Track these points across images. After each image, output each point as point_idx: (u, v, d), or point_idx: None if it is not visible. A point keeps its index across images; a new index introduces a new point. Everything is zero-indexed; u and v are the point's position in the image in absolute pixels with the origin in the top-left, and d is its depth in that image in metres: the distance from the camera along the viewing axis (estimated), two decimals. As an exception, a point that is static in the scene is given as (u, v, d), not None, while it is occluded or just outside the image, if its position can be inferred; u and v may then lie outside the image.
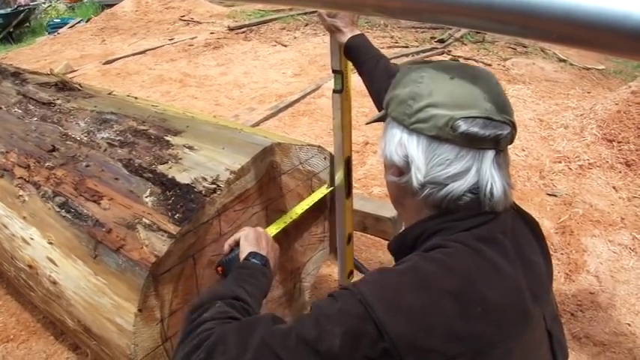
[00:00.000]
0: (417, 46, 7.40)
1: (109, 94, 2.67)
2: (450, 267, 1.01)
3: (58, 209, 1.80)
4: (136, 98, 2.63)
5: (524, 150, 4.24)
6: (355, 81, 5.38)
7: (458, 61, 6.72)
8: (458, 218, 1.10)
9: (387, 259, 2.95)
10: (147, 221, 1.55)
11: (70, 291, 1.72)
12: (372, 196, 3.55)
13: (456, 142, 1.05)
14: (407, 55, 6.92)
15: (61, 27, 13.52)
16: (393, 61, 5.96)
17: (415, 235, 1.15)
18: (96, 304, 1.62)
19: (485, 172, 1.07)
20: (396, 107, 1.13)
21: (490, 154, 1.07)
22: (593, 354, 2.46)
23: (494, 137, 1.05)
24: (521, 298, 1.06)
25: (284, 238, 1.99)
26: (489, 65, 6.53)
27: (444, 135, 1.05)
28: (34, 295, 2.06)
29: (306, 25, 8.97)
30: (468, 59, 6.78)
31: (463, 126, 1.03)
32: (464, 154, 1.06)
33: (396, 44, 7.67)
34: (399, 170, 1.13)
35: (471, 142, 1.05)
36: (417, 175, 1.08)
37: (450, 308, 0.97)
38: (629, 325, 2.61)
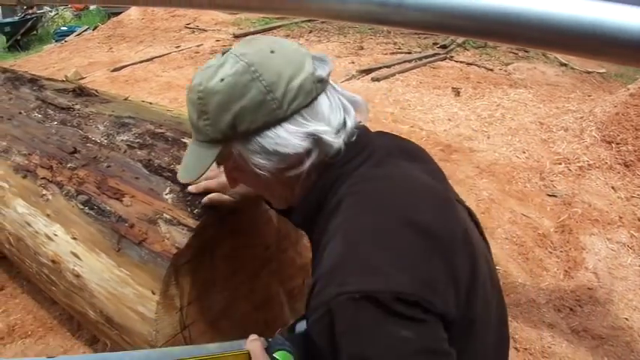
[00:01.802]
0: (420, 52, 7.49)
1: (125, 99, 2.77)
2: (387, 206, 1.05)
3: (82, 206, 1.90)
4: (150, 103, 2.73)
5: (524, 152, 4.33)
6: (359, 86, 5.47)
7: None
8: (346, 160, 1.15)
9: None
10: (167, 216, 1.65)
11: (94, 283, 1.82)
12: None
13: (322, 93, 1.12)
14: (409, 61, 7.00)
15: (68, 35, 13.62)
16: (396, 67, 6.05)
17: (316, 197, 1.18)
18: (119, 295, 1.72)
19: (339, 109, 1.16)
20: (255, 116, 1.08)
21: (330, 88, 1.17)
22: (591, 347, 2.55)
23: (328, 74, 1.15)
24: (451, 203, 1.16)
25: (294, 232, 2.09)
26: (491, 70, 6.62)
27: (317, 92, 1.11)
28: (56, 289, 2.16)
29: (310, 32, 9.07)
30: (471, 64, 6.87)
31: (321, 72, 1.12)
32: (330, 99, 1.14)
33: (399, 50, 7.77)
34: (299, 158, 1.12)
35: (324, 87, 1.13)
36: (327, 138, 1.11)
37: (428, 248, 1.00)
38: (626, 319, 2.70)
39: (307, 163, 1.13)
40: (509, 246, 3.17)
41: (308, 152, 1.12)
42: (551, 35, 0.97)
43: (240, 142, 1.12)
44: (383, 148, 1.20)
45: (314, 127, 1.09)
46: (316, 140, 1.11)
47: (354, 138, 1.16)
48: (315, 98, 1.10)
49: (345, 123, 1.15)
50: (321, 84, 1.12)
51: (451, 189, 1.33)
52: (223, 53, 1.17)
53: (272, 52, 1.10)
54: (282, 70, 1.07)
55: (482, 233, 1.32)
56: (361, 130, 1.19)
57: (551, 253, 3.15)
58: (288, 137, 1.08)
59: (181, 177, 1.23)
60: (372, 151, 1.17)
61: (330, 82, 1.18)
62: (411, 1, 1.08)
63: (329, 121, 1.12)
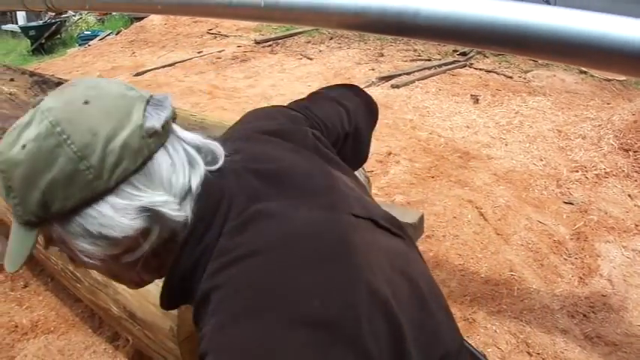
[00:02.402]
0: (440, 59, 7.51)
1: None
2: (263, 301, 0.80)
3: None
4: (175, 108, 2.79)
5: (542, 160, 4.35)
6: (379, 93, 5.52)
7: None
8: (199, 233, 0.90)
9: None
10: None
11: (119, 280, 1.89)
12: (394, 203, 3.68)
13: (160, 149, 0.87)
14: (429, 68, 7.03)
15: (92, 39, 13.78)
16: (416, 74, 6.05)
17: (177, 285, 0.95)
18: (143, 291, 1.77)
19: (184, 167, 0.90)
20: (68, 191, 0.81)
21: (173, 138, 0.91)
22: (604, 354, 2.57)
23: (166, 121, 0.89)
24: (346, 247, 0.89)
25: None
26: (510, 77, 6.62)
27: (150, 149, 0.85)
28: (80, 286, 2.23)
29: (331, 38, 9.11)
30: (490, 72, 6.87)
31: (154, 123, 0.86)
32: (172, 156, 0.89)
33: (419, 57, 7.79)
34: (134, 240, 0.86)
35: (162, 140, 0.88)
36: (168, 211, 0.86)
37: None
38: (640, 326, 2.73)
39: (146, 246, 0.88)
40: (524, 252, 3.20)
41: (145, 232, 0.87)
42: (564, 47, 1.02)
43: (58, 223, 0.85)
44: (242, 191, 0.93)
45: (149, 198, 0.84)
46: (154, 215, 0.85)
47: (203, 196, 0.90)
48: (150, 158, 0.85)
49: (190, 186, 0.89)
50: (155, 138, 0.85)
51: (348, 193, 1.04)
52: (33, 106, 0.88)
53: (86, 102, 0.83)
54: (97, 126, 0.81)
55: (409, 238, 1.12)
56: (210, 177, 0.93)
57: (566, 259, 3.18)
58: (115, 216, 0.82)
59: (6, 267, 0.91)
60: (230, 205, 0.91)
61: (174, 129, 0.93)
62: (427, 13, 1.13)
63: (170, 186, 0.87)
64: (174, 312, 1.64)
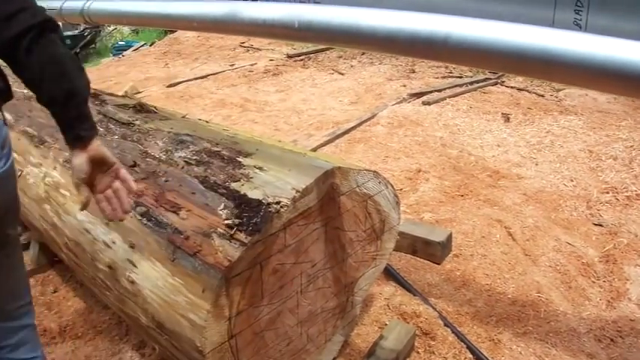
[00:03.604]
0: (471, 77, 7.50)
1: (183, 117, 2.89)
2: None
3: (140, 217, 2.02)
4: (207, 122, 2.84)
5: (572, 180, 4.32)
6: (409, 110, 5.52)
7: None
8: None
9: (433, 280, 3.08)
10: (221, 230, 1.75)
11: (147, 290, 1.92)
12: (422, 221, 3.68)
13: None
14: (460, 85, 7.02)
15: (126, 50, 14.01)
16: (447, 91, 6.06)
17: None
18: (171, 302, 1.81)
19: None
20: None
21: None
22: (631, 379, 2.55)
23: None
24: None
25: (340, 252, 2.16)
26: (542, 96, 6.59)
27: None
28: (110, 294, 2.26)
29: (363, 53, 9.13)
30: (522, 90, 6.84)
31: None
32: None
33: (450, 74, 7.78)
34: None
35: None
36: None
37: None
38: (668, 353, 2.69)
39: None
40: (552, 274, 3.18)
41: None
42: (590, 75, 1.03)
43: None
44: None
45: None
46: None
47: None
48: None
49: None
50: None
51: None
52: None
53: None
54: None
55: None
56: None
57: (594, 282, 3.15)
58: None
59: None
60: None
61: None
62: (457, 38, 1.15)
63: None
64: (202, 324, 1.66)
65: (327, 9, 1.53)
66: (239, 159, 2.12)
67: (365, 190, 2.19)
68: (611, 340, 2.73)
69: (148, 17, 2.48)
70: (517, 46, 1.07)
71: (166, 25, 2.86)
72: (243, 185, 1.91)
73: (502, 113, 5.92)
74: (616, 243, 3.46)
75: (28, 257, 3.39)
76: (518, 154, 4.87)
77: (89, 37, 17.85)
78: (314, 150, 4.89)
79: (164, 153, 2.31)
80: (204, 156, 2.20)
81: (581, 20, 1.30)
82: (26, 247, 3.46)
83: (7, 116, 3.33)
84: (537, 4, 1.41)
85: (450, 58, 1.26)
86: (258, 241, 1.71)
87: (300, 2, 2.12)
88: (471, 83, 7.11)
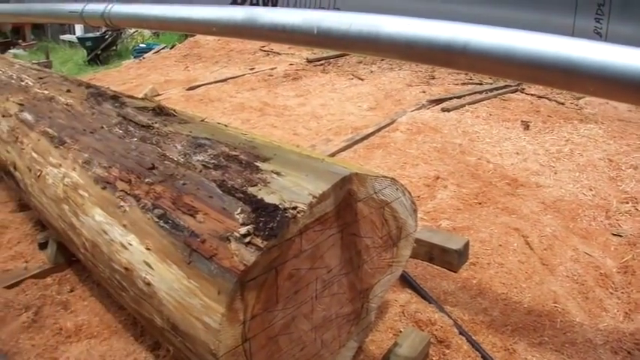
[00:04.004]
0: (491, 84, 7.47)
1: (202, 120, 2.90)
2: None
3: (157, 220, 2.03)
4: (226, 126, 2.85)
5: (591, 190, 4.28)
6: (429, 116, 5.52)
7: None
8: None
9: (450, 288, 3.06)
10: (237, 235, 1.75)
11: (163, 292, 1.93)
12: (439, 228, 3.66)
13: None
14: (480, 92, 7.00)
15: (146, 52, 14.13)
16: (466, 97, 6.04)
17: None
18: (186, 305, 1.82)
19: None
20: None
21: None
22: (648, 393, 2.52)
23: None
24: None
25: (355, 258, 2.16)
26: (562, 104, 6.55)
27: None
28: (126, 295, 2.28)
29: (383, 59, 9.13)
30: (542, 97, 6.81)
31: None
32: None
33: (471, 81, 7.76)
34: None
35: None
36: None
37: None
38: (687, 367, 2.66)
39: None
40: (569, 284, 3.15)
41: None
42: (609, 85, 1.02)
43: None
44: None
45: None
46: None
47: None
48: None
49: None
50: None
51: None
52: None
53: None
54: None
55: None
56: None
57: (612, 293, 3.12)
58: None
59: None
60: None
61: None
62: (475, 46, 1.14)
63: None
64: (216, 327, 1.67)
65: (345, 16, 1.53)
66: (257, 163, 2.12)
67: (382, 197, 2.19)
68: (628, 352, 2.70)
69: (168, 21, 2.50)
70: (535, 56, 1.07)
71: (185, 29, 2.88)
72: (260, 190, 1.92)
73: (522, 121, 5.89)
74: (635, 254, 3.43)
75: (46, 256, 3.43)
76: (537, 163, 4.84)
77: (110, 39, 18.01)
78: (332, 155, 4.89)
79: (182, 156, 2.33)
80: (222, 160, 2.21)
81: (601, 29, 1.29)
82: (44, 246, 3.50)
83: (28, 116, 3.39)
84: (557, 12, 1.40)
85: (469, 66, 1.25)
86: (274, 246, 1.72)
87: (321, 8, 2.13)
88: (491, 90, 7.09)
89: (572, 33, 1.38)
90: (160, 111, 2.97)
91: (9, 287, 3.11)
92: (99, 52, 17.91)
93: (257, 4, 2.43)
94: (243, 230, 1.76)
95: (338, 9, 2.07)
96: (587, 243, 3.59)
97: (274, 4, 2.35)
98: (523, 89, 7.21)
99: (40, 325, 2.83)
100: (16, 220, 4.02)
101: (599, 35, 1.29)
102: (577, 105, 6.55)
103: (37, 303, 2.99)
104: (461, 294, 3.02)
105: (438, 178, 4.47)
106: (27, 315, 2.86)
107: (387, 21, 1.38)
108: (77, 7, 3.15)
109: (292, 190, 1.89)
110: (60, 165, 2.81)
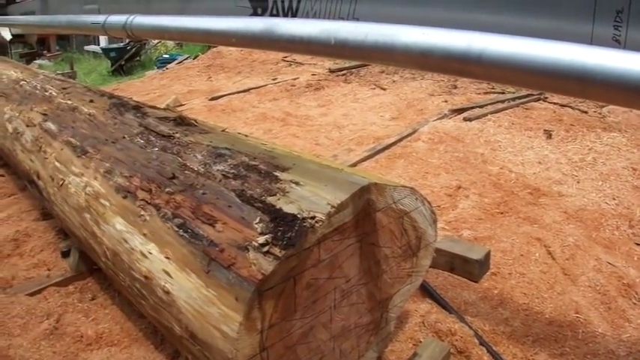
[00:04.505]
0: (513, 93, 7.43)
1: (223, 130, 2.93)
2: None
3: (177, 229, 2.05)
4: (246, 136, 2.87)
5: (614, 199, 4.24)
6: (451, 126, 5.49)
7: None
8: None
9: (471, 298, 3.04)
10: (256, 244, 1.76)
11: (182, 300, 1.95)
12: (461, 238, 3.64)
13: None
14: (502, 102, 6.96)
15: (170, 63, 14.26)
16: (489, 107, 5.99)
17: None
18: (205, 313, 1.83)
19: None
20: None
21: None
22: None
23: None
24: None
25: (374, 268, 2.15)
26: (585, 112, 6.49)
27: None
28: (145, 303, 2.30)
29: (404, 69, 9.13)
30: (564, 106, 6.76)
31: None
32: None
33: (493, 90, 7.72)
34: None
35: None
36: None
37: None
38: None
39: None
40: (591, 294, 3.11)
41: None
42: (628, 93, 1.01)
43: None
44: None
45: None
46: None
47: None
48: None
49: None
50: None
51: None
52: None
53: None
54: None
55: None
56: None
57: (635, 304, 3.08)
58: None
59: None
60: None
61: None
62: (490, 55, 1.14)
63: None
64: (234, 335, 1.68)
65: (362, 26, 1.54)
66: (276, 173, 2.13)
67: (401, 207, 2.19)
68: (652, 363, 2.67)
69: (188, 32, 2.53)
70: (551, 64, 1.07)
71: (206, 40, 2.91)
72: (279, 199, 1.92)
73: (544, 130, 5.85)
74: (659, 264, 3.39)
75: (68, 264, 3.46)
76: (559, 172, 4.80)
77: (134, 50, 18.20)
78: (354, 165, 4.89)
79: (202, 166, 2.35)
80: (242, 169, 2.22)
81: (620, 36, 1.28)
82: (67, 254, 3.54)
83: (51, 126, 3.44)
84: (575, 20, 1.39)
85: (485, 75, 1.25)
86: (292, 256, 1.72)
87: (340, 19, 2.14)
88: (514, 99, 7.05)
89: (591, 41, 1.37)
90: (181, 121, 3.00)
91: (31, 294, 3.15)
92: (123, 63, 18.11)
93: (277, 15, 2.46)
94: (261, 239, 1.77)
95: (357, 19, 2.08)
96: (610, 253, 3.55)
97: (294, 15, 2.37)
98: (546, 98, 7.15)
99: (62, 332, 2.85)
100: (39, 229, 4.07)
101: (617, 43, 1.29)
102: (600, 113, 6.49)
103: (58, 310, 3.02)
104: (482, 304, 3.00)
105: (459, 187, 4.45)
106: (48, 322, 2.89)
107: (402, 31, 1.39)
108: (100, 18, 3.20)
109: (311, 199, 1.89)
110: (82, 174, 2.85)
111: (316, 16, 2.24)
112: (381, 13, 1.94)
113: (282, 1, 2.40)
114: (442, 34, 1.29)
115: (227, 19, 2.27)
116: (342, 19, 2.10)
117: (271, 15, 2.44)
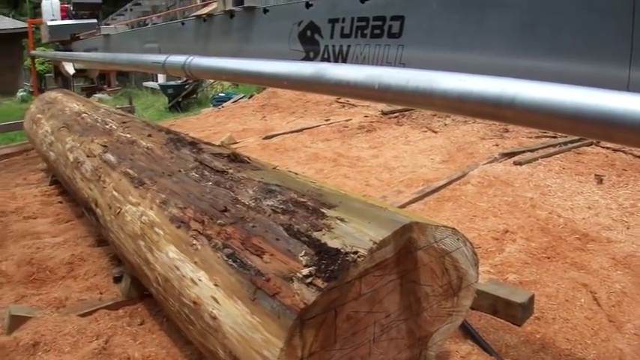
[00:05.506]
0: (565, 137, 7.37)
1: (274, 168, 3.03)
2: None
3: (226, 258, 2.15)
4: (296, 174, 2.97)
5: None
6: (500, 170, 5.49)
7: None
8: None
9: (512, 342, 3.04)
10: (300, 275, 1.85)
11: (227, 326, 2.03)
12: (506, 282, 3.65)
13: None
14: (554, 146, 6.92)
15: (225, 101, 14.58)
16: (540, 151, 5.94)
17: None
18: (248, 338, 1.91)
19: None
20: None
21: None
22: None
23: None
24: None
25: (415, 304, 2.21)
26: (638, 157, 6.40)
27: None
28: (192, 328, 2.39)
29: (454, 111, 9.15)
30: (617, 150, 6.67)
31: None
32: None
33: (544, 134, 7.68)
34: None
35: None
36: None
37: None
38: None
39: None
40: (637, 342, 3.08)
41: None
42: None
43: None
44: None
45: None
46: None
47: None
48: None
49: None
50: None
51: None
52: None
53: None
54: None
55: None
56: None
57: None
58: None
59: None
60: None
61: None
62: (522, 100, 1.21)
63: None
64: (276, 363, 1.76)
65: (404, 72, 1.63)
66: (322, 210, 2.22)
67: (442, 246, 2.24)
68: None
69: (242, 74, 2.65)
70: (581, 110, 1.13)
71: (259, 82, 3.04)
72: (324, 234, 2.01)
73: (595, 174, 5.81)
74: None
75: (120, 289, 3.61)
76: (609, 217, 4.76)
77: (191, 87, 18.64)
78: (402, 207, 4.93)
79: (253, 200, 2.45)
80: (290, 205, 2.32)
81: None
82: (119, 279, 3.68)
83: (110, 157, 3.61)
84: (610, 63, 1.45)
85: (517, 120, 1.31)
86: (333, 288, 1.80)
87: (387, 64, 2.24)
88: (565, 143, 6.99)
89: (628, 85, 1.42)
90: (235, 158, 3.12)
91: (83, 315, 3.29)
92: (180, 100, 18.55)
93: (328, 59, 2.57)
94: (305, 271, 1.85)
95: (403, 64, 2.17)
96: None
97: (344, 59, 2.48)
98: (598, 142, 7.08)
99: (110, 352, 2.96)
100: (93, 254, 4.24)
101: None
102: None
103: (108, 332, 3.14)
104: (523, 348, 3.00)
105: (507, 231, 4.45)
106: (98, 342, 3.01)
107: (440, 77, 1.47)
108: (160, 58, 3.37)
109: (354, 235, 1.97)
110: (138, 204, 2.99)
111: (365, 60, 2.34)
112: (425, 59, 2.04)
113: (334, 46, 2.52)
114: (478, 81, 1.36)
115: (279, 62, 2.39)
116: (390, 63, 2.20)
117: (322, 59, 2.56)
